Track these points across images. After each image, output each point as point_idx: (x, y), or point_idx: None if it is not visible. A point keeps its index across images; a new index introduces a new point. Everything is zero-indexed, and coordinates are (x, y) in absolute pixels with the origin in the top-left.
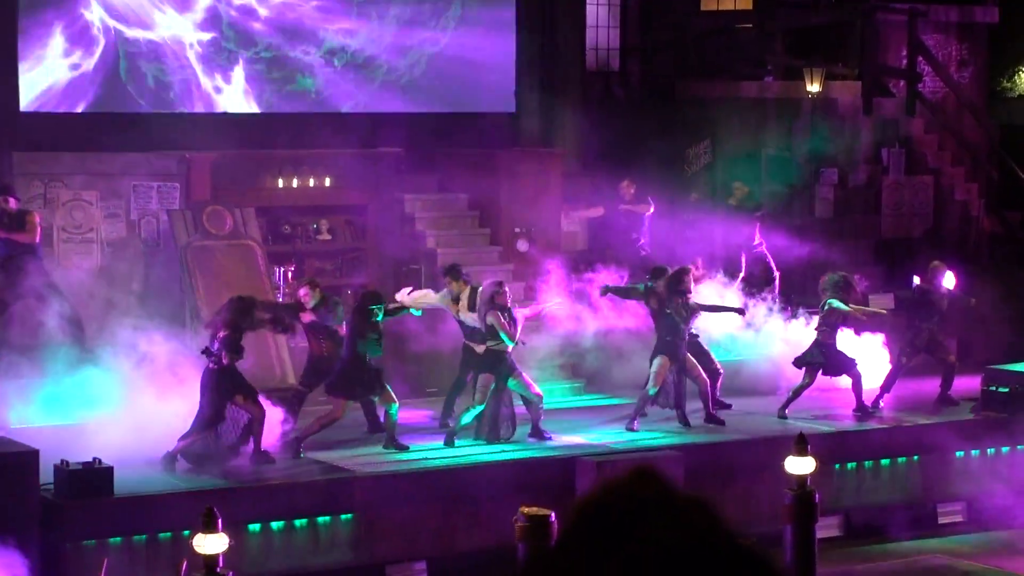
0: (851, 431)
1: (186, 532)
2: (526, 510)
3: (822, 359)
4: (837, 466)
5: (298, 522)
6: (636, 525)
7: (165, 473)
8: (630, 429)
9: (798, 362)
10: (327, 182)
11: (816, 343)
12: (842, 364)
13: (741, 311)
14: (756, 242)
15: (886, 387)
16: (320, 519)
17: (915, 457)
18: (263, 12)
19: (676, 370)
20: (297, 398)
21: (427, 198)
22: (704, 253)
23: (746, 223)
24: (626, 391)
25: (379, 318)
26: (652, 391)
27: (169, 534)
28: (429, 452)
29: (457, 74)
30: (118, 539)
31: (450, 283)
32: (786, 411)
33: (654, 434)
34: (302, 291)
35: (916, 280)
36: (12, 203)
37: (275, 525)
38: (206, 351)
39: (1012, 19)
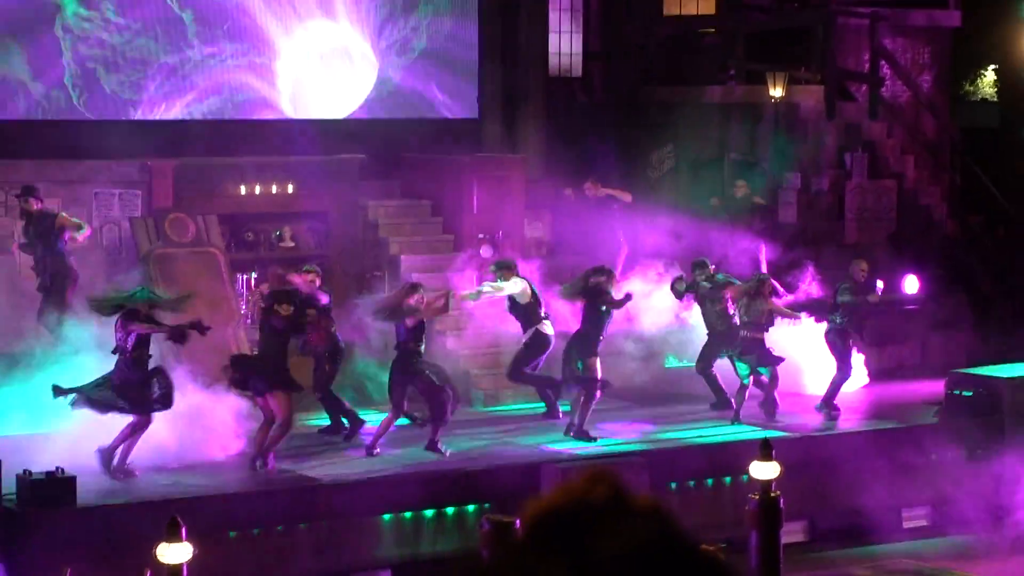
0: (816, 436)
1: (147, 542)
2: (491, 517)
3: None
4: (802, 471)
5: (262, 530)
6: (591, 530)
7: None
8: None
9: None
10: (290, 189)
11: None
12: (765, 359)
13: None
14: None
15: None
16: (285, 527)
17: (880, 461)
18: (224, 18)
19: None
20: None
21: (390, 204)
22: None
23: (747, 224)
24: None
25: None
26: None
27: (132, 544)
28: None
29: (420, 80)
30: (81, 549)
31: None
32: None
33: (618, 440)
34: (306, 278)
35: (879, 284)
36: (34, 204)
37: (239, 534)
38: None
39: (974, 23)
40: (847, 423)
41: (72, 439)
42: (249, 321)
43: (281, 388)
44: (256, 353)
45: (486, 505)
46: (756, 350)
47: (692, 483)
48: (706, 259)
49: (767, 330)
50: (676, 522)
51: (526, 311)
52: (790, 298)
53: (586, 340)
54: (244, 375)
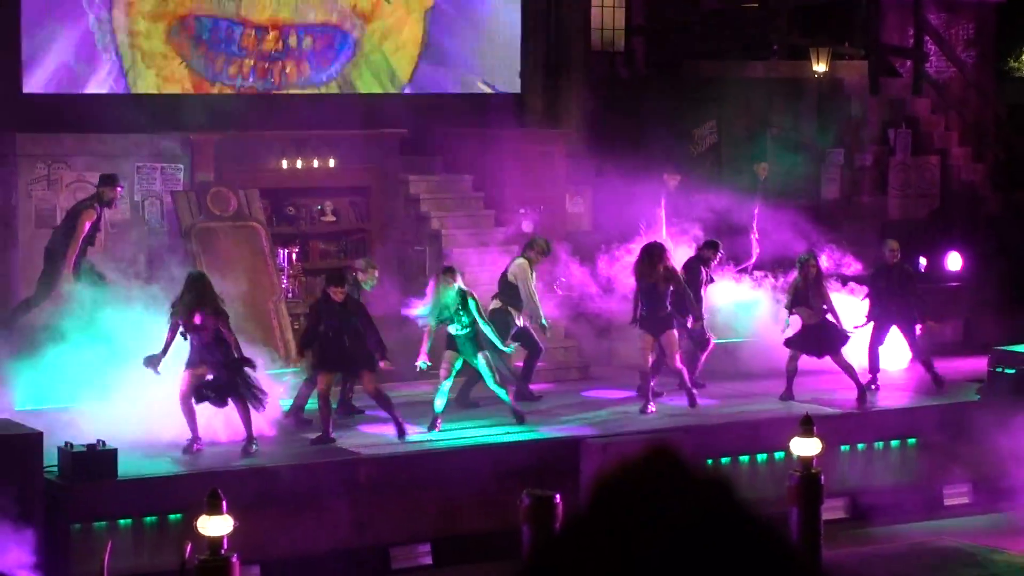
0: (858, 413)
1: (187, 515)
2: (531, 491)
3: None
4: (844, 448)
5: (302, 504)
6: (654, 504)
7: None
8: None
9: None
10: (331, 163)
11: None
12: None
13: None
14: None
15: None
16: (324, 501)
17: (921, 439)
18: None
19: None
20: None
21: (431, 179)
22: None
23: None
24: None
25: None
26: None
27: (173, 516)
28: (435, 434)
29: (462, 54)
30: (122, 521)
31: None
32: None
33: (658, 416)
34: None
35: (923, 261)
36: (119, 191)
37: (280, 507)
38: None
39: None
40: (889, 400)
41: (114, 412)
42: (290, 295)
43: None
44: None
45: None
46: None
47: (727, 459)
48: (717, 241)
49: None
50: (738, 493)
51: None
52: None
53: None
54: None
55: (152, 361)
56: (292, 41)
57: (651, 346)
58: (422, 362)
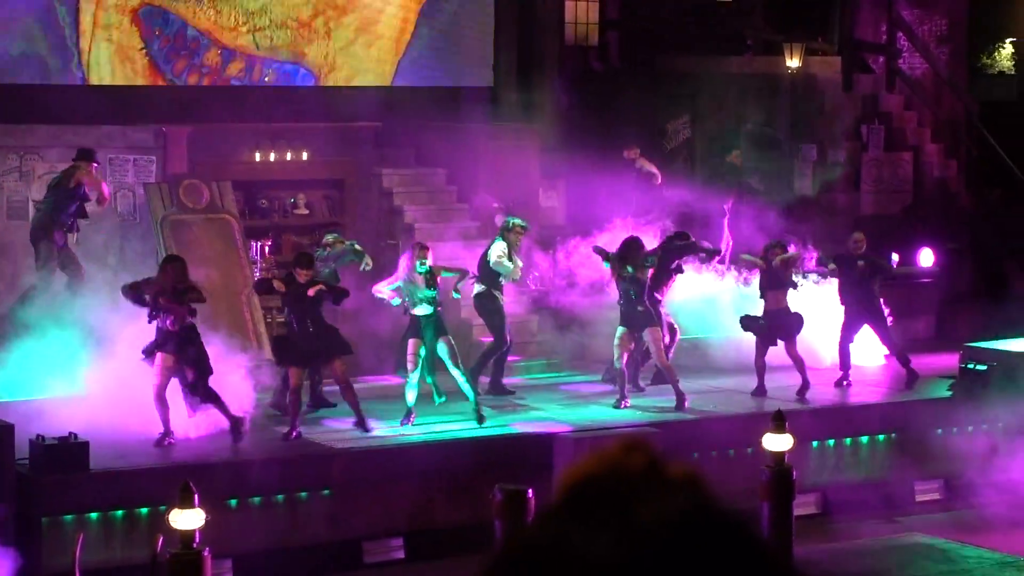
0: (829, 408)
1: (162, 507)
2: (503, 486)
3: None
4: (815, 443)
5: (275, 498)
6: (629, 498)
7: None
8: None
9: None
10: (304, 156)
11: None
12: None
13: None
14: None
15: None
16: (297, 495)
17: (893, 435)
18: None
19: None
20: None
21: (405, 172)
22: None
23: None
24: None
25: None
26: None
27: (145, 509)
28: (408, 427)
29: (436, 47)
30: (94, 514)
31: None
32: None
33: (631, 411)
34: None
35: (895, 257)
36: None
37: (252, 501)
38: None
39: None
40: (861, 396)
41: (86, 404)
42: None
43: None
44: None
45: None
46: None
47: (696, 455)
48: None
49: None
50: (712, 491)
51: None
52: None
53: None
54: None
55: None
56: (255, 73)
57: (627, 341)
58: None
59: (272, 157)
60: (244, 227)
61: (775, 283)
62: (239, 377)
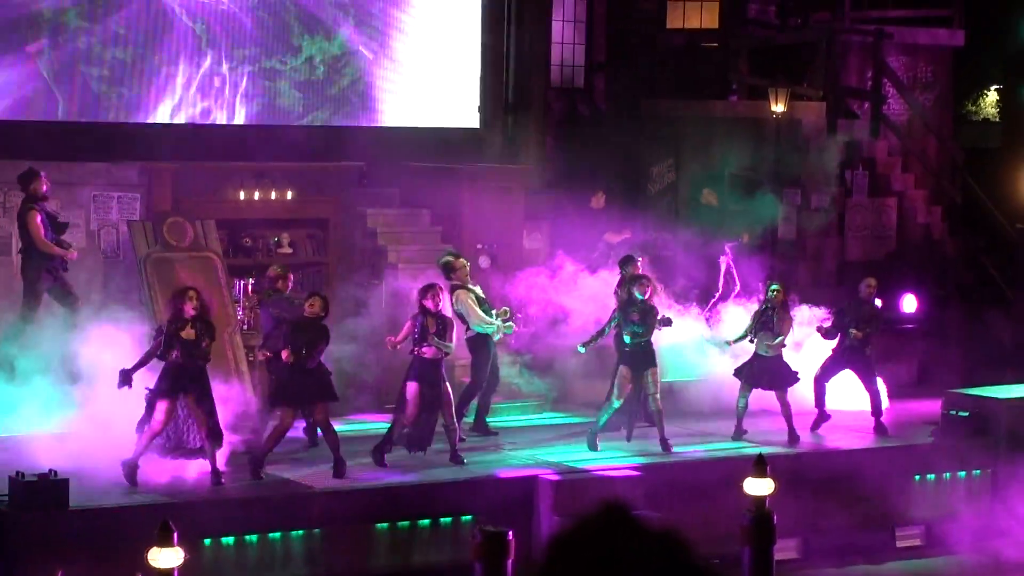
0: (811, 453)
1: (139, 546)
2: (483, 528)
3: None
4: (796, 488)
5: (254, 537)
6: (609, 562)
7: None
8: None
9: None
10: (289, 195)
11: None
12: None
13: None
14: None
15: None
16: (276, 534)
17: (872, 481)
18: (228, 28)
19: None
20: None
21: (389, 213)
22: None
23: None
24: (590, 409)
25: None
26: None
27: (124, 547)
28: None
29: (421, 88)
30: (74, 551)
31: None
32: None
33: (614, 453)
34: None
35: (878, 303)
36: (43, 177)
37: (230, 540)
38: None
39: (977, 42)
40: (843, 441)
41: (66, 440)
42: (246, 327)
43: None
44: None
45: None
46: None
47: (686, 498)
48: (633, 255)
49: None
50: (691, 549)
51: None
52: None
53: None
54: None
55: (125, 376)
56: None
57: (627, 380)
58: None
59: (256, 196)
60: (228, 265)
61: (771, 327)
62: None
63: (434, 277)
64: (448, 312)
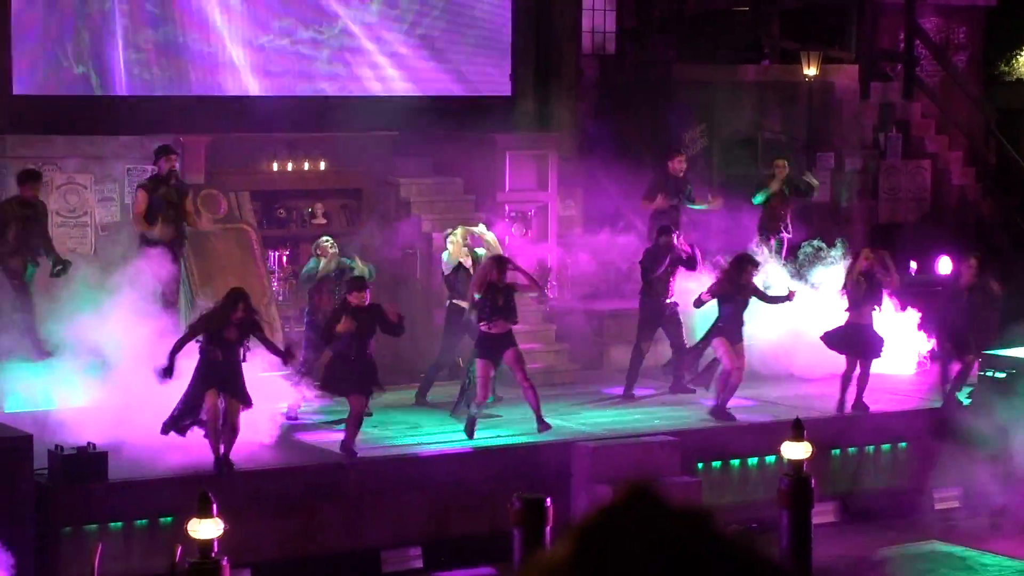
0: (849, 416)
1: (178, 517)
2: (521, 495)
3: None
4: (835, 451)
5: (292, 507)
6: (635, 547)
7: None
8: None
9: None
10: (322, 166)
11: None
12: None
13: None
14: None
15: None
16: (315, 504)
17: (909, 443)
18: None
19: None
20: None
21: (422, 182)
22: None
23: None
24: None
25: None
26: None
27: (164, 519)
28: (425, 436)
29: (453, 57)
30: (113, 524)
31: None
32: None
33: (651, 419)
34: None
35: (913, 265)
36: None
37: (269, 510)
38: None
39: (1010, 3)
40: (880, 404)
41: (104, 415)
42: (281, 298)
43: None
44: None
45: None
46: None
47: (718, 464)
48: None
49: None
50: (722, 531)
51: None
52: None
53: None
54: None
55: (166, 371)
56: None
57: (728, 351)
58: None
59: (290, 167)
60: (262, 237)
61: (862, 293)
62: (268, 384)
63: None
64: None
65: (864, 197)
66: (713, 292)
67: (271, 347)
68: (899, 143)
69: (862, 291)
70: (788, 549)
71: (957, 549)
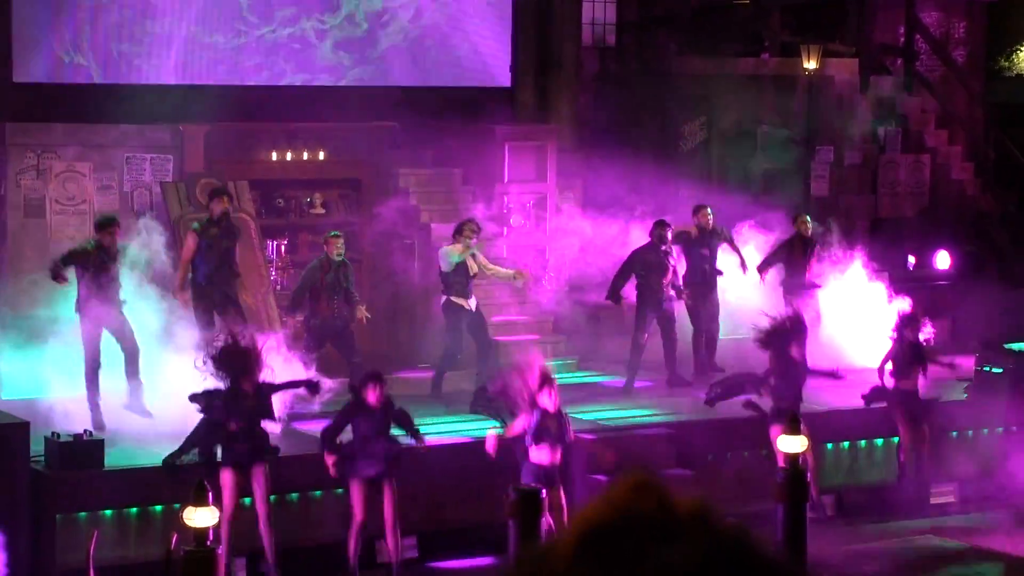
0: (844, 410)
1: (177, 505)
2: (517, 486)
3: None
4: (830, 445)
5: (289, 496)
6: (640, 544)
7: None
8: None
9: None
10: (321, 155)
11: None
12: None
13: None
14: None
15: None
16: (311, 493)
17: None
18: None
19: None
20: None
21: (421, 172)
22: None
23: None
24: (619, 367)
25: None
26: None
27: (160, 507)
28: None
29: (453, 47)
30: (108, 511)
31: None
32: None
33: (646, 411)
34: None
35: (911, 259)
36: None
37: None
38: None
39: None
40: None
41: (101, 402)
42: (279, 287)
43: None
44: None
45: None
46: None
47: (719, 455)
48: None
49: None
50: (726, 527)
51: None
52: None
53: None
54: None
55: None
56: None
57: None
58: None
59: (289, 156)
60: (260, 226)
61: (910, 361)
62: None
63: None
64: None
65: (863, 191)
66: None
67: (292, 385)
68: (898, 137)
69: (908, 357)
70: (783, 543)
71: (952, 544)
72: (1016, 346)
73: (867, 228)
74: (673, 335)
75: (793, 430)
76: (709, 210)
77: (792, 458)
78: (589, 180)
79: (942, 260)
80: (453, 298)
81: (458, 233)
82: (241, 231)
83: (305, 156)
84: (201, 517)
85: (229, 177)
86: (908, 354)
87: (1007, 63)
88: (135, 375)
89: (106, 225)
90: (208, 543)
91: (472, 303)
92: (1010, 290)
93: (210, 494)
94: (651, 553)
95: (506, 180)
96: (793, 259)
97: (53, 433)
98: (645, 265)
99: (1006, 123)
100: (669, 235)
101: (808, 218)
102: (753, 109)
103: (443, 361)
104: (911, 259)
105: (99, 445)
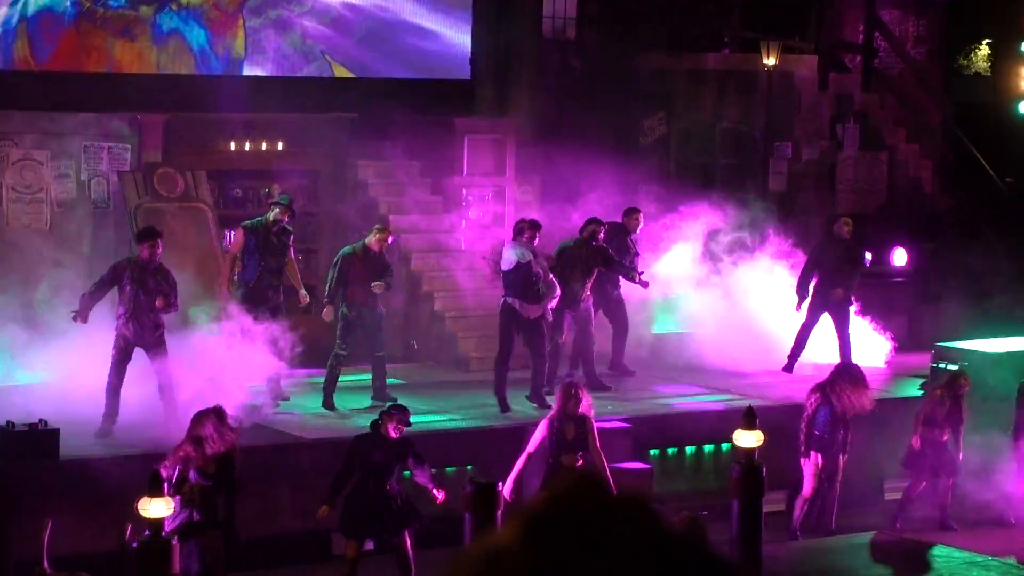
0: (801, 404)
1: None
2: (474, 478)
3: None
4: (786, 440)
5: (246, 488)
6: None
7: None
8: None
9: None
10: (280, 146)
11: None
12: None
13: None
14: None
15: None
16: (266, 484)
17: (863, 433)
18: None
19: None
20: None
21: (380, 164)
22: None
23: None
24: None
25: None
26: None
27: (114, 497)
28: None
29: (412, 39)
30: (63, 502)
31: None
32: None
33: (603, 404)
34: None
35: (868, 256)
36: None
37: None
38: None
39: None
40: None
41: (56, 391)
42: (236, 277)
43: None
44: None
45: (468, 467)
46: None
47: (674, 450)
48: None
49: None
50: (666, 523)
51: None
52: None
53: None
54: None
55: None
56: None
57: None
58: None
59: (247, 147)
60: (218, 216)
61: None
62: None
63: (422, 230)
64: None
65: (821, 188)
66: None
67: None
68: (856, 134)
69: (945, 410)
70: (738, 537)
71: (905, 538)
72: (969, 344)
73: (824, 224)
74: (590, 332)
75: (749, 425)
76: (640, 215)
77: (748, 453)
78: (547, 174)
79: (899, 257)
80: (509, 299)
81: (518, 234)
82: (291, 238)
83: (263, 146)
84: (156, 508)
85: (187, 166)
86: (945, 408)
87: (966, 62)
88: (172, 411)
89: (146, 237)
90: (163, 534)
91: (528, 308)
92: (966, 287)
93: (165, 484)
94: (589, 548)
95: (464, 173)
96: (827, 267)
97: (8, 422)
98: (571, 260)
99: (963, 121)
100: (601, 234)
101: (849, 220)
102: (713, 105)
103: (534, 373)
104: (868, 256)
105: (54, 435)
